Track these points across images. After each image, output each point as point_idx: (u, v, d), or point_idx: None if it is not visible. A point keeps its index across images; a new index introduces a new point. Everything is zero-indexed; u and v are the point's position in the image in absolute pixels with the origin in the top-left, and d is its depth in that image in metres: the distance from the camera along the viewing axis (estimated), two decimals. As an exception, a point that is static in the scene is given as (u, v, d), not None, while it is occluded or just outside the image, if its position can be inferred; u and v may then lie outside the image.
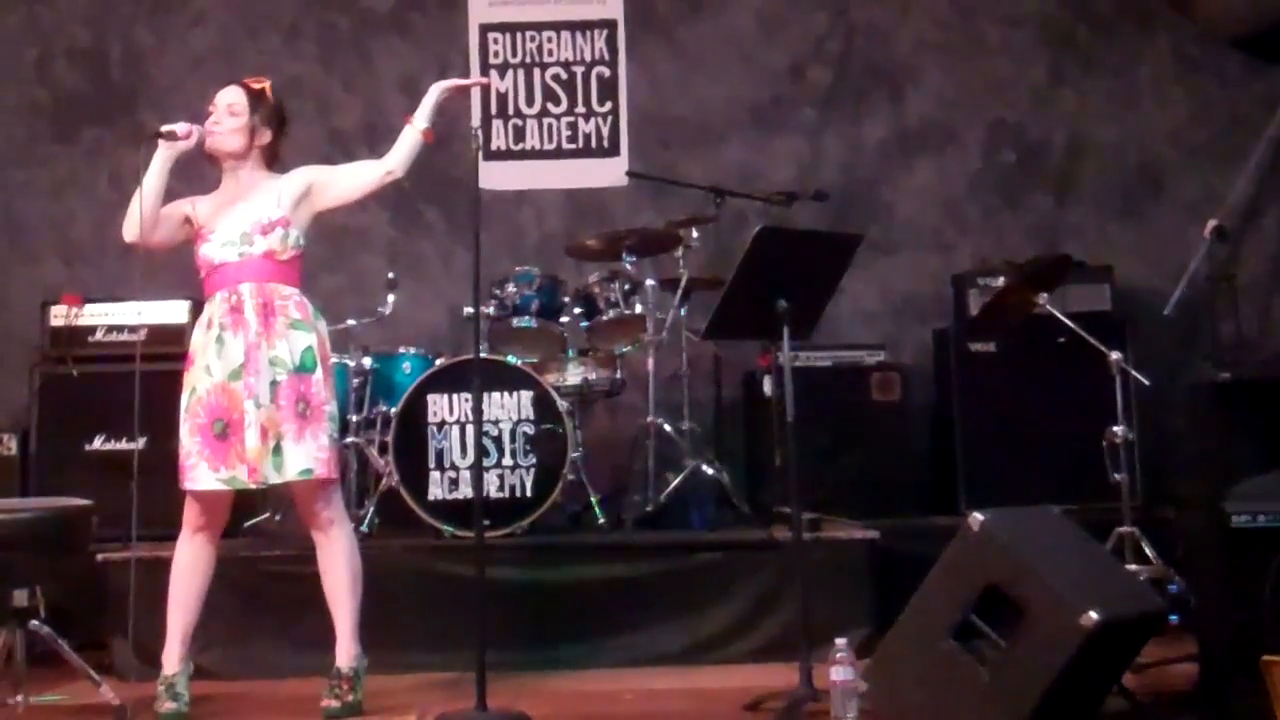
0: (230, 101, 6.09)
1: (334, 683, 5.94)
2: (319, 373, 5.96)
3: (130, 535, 7.02)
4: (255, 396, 5.83)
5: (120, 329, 8.05)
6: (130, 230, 6.01)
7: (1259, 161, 8.35)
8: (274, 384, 5.88)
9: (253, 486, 5.94)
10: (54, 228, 8.93)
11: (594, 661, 6.66)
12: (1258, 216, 8.77)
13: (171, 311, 8.09)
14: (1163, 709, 5.39)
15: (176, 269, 8.57)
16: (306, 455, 5.87)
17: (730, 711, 5.74)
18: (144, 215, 5.96)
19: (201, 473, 5.85)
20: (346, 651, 6.01)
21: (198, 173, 6.23)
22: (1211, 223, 7.55)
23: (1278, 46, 8.60)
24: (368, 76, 9.01)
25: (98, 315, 8.10)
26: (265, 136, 6.14)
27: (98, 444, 7.88)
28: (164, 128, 5.96)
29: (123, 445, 7.81)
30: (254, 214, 6.02)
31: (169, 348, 7.99)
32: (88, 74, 8.97)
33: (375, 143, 8.73)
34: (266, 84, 6.17)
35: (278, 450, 5.85)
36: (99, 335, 8.07)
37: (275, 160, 6.24)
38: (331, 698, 5.90)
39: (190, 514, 6.00)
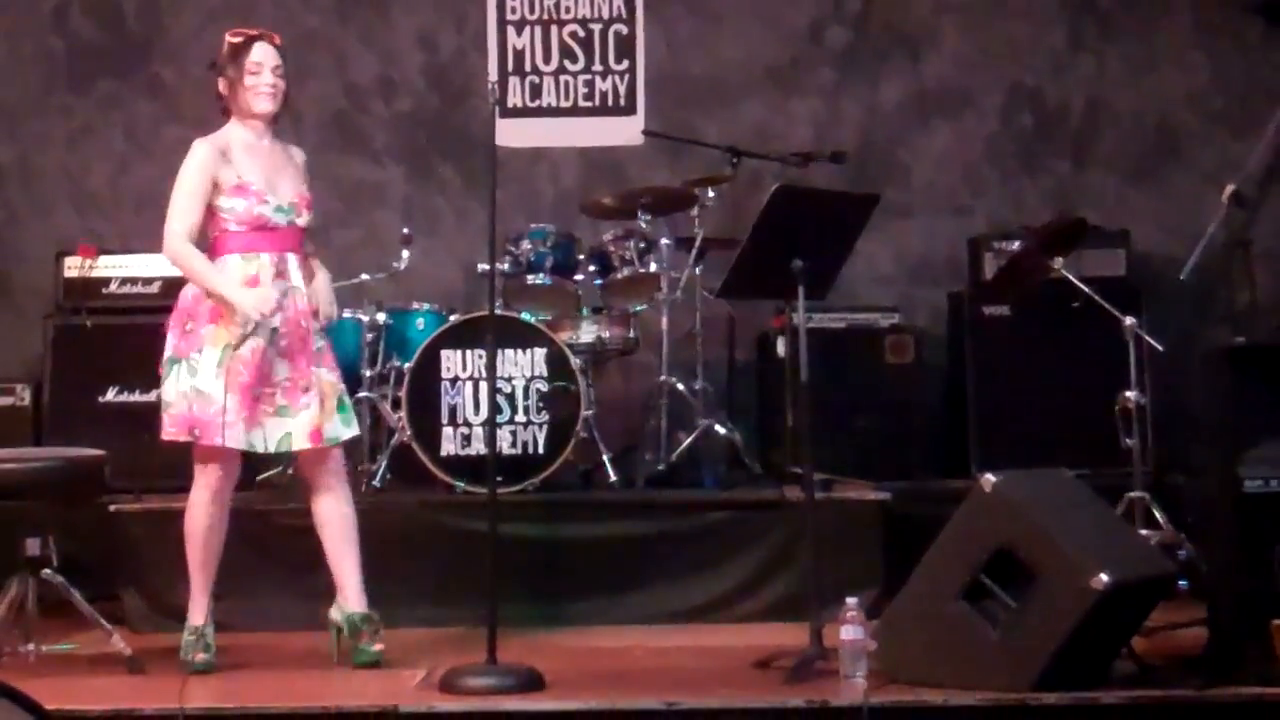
0: (276, 64, 6.01)
1: (372, 626, 5.97)
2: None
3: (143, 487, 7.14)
4: (313, 365, 5.95)
5: (134, 281, 8.06)
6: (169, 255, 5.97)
7: (1278, 127, 8.31)
8: (321, 348, 6.00)
9: (309, 448, 5.96)
10: (69, 179, 8.90)
11: (604, 618, 6.68)
12: (1275, 183, 8.70)
13: (186, 264, 8.08)
14: (1171, 672, 5.34)
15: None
16: (349, 420, 6.09)
17: (740, 669, 5.74)
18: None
19: (237, 433, 5.81)
20: (362, 598, 6.06)
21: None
22: (1229, 188, 7.52)
23: (1296, 11, 8.57)
24: (384, 29, 8.95)
25: (112, 267, 8.10)
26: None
27: (111, 395, 7.90)
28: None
29: (136, 397, 7.81)
30: (295, 185, 6.04)
31: (182, 300, 8.02)
32: (104, 24, 8.93)
33: (390, 98, 8.79)
34: (278, 36, 6.15)
35: (341, 409, 6.01)
36: (113, 287, 8.08)
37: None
38: (377, 640, 5.96)
39: (211, 471, 5.94)
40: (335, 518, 6.06)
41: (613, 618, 6.73)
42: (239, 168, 5.91)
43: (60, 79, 8.92)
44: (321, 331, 6.04)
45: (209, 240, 5.96)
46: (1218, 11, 8.95)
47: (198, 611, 5.97)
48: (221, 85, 6.02)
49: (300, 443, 5.93)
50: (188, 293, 5.94)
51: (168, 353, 5.93)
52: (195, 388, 5.77)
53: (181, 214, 5.88)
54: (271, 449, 5.97)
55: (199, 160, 5.92)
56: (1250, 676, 4.98)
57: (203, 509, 5.97)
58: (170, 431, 5.88)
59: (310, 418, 5.92)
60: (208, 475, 5.94)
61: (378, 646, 5.92)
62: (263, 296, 5.79)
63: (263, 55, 5.99)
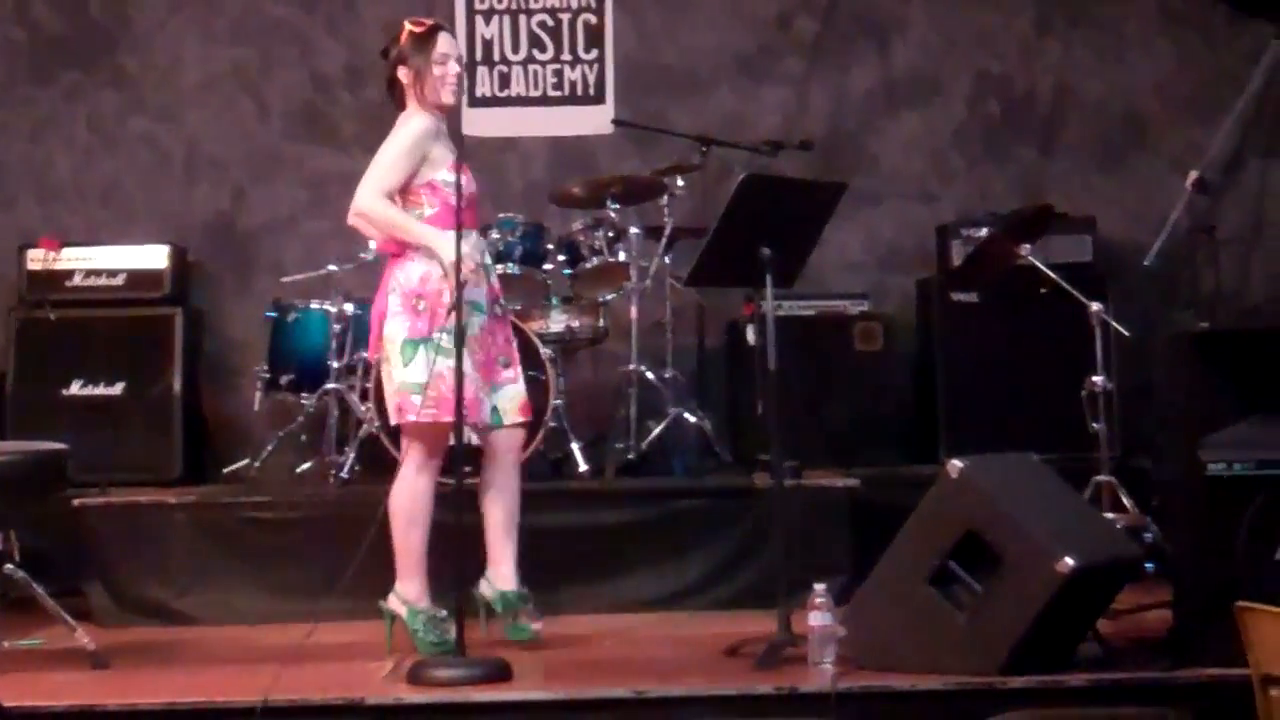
0: (459, 54, 6.06)
1: (526, 603, 6.01)
2: None
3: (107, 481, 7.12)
4: (512, 340, 6.12)
5: (99, 273, 8.04)
6: (356, 218, 6.01)
7: (1241, 114, 8.33)
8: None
9: (520, 422, 6.07)
10: (31, 171, 8.83)
11: (574, 607, 6.66)
12: (1239, 169, 8.75)
13: (151, 256, 8.09)
14: (1136, 655, 5.40)
15: (155, 214, 8.64)
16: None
17: (710, 657, 5.75)
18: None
19: (485, 407, 5.89)
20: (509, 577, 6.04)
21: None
22: (1193, 174, 7.56)
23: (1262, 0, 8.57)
24: (351, 19, 8.91)
25: (76, 259, 8.08)
26: None
27: (75, 389, 7.88)
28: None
29: (100, 390, 7.80)
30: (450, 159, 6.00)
31: (148, 292, 8.01)
32: (66, 15, 8.87)
33: (357, 87, 8.76)
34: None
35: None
36: (77, 279, 8.05)
37: None
38: (530, 619, 6.00)
39: (434, 451, 5.91)
40: (509, 495, 6.06)
41: (582, 606, 6.71)
42: (433, 151, 5.90)
43: (23, 70, 8.86)
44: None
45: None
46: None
47: (425, 595, 5.96)
48: (403, 74, 5.99)
49: (512, 417, 6.01)
50: (412, 273, 5.88)
51: (402, 335, 5.86)
52: (451, 367, 5.62)
53: (384, 173, 5.89)
54: (518, 420, 6.06)
55: (420, 129, 5.91)
56: (1214, 658, 4.97)
57: (420, 485, 5.92)
58: (428, 414, 5.79)
59: (517, 391, 6.03)
60: (423, 453, 5.90)
61: (536, 625, 5.96)
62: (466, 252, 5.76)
63: (448, 46, 6.00)
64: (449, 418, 5.67)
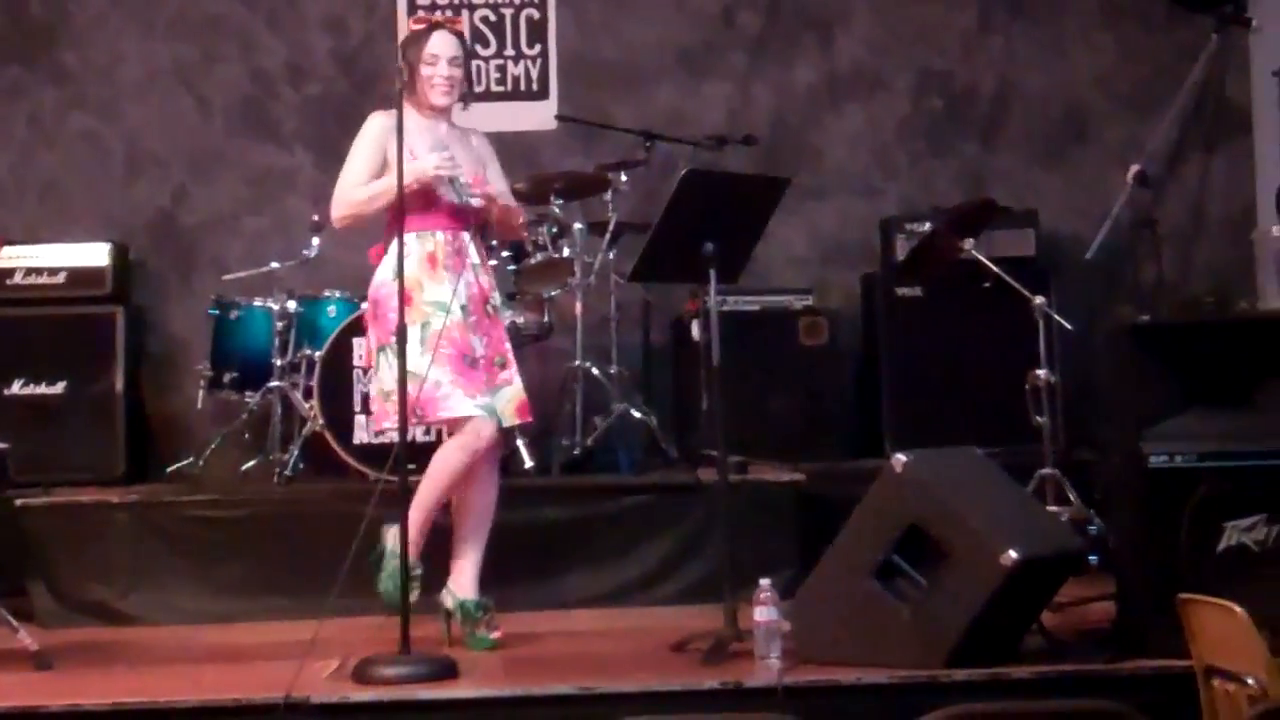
0: (454, 54, 5.98)
1: (487, 614, 5.95)
2: None
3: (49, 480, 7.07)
4: (508, 341, 6.07)
5: (40, 271, 7.96)
6: (349, 222, 6.08)
7: (1181, 108, 8.38)
8: (503, 328, 6.09)
9: (518, 423, 6.08)
10: (-30, 169, 8.79)
11: (520, 604, 6.62)
12: (1180, 162, 8.81)
13: (92, 254, 8.02)
14: (1080, 647, 5.43)
15: (96, 212, 8.58)
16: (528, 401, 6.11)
17: (656, 652, 5.75)
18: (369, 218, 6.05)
19: (459, 400, 5.78)
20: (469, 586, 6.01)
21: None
22: (1133, 168, 7.58)
23: (1201, -6, 8.63)
24: (292, 15, 8.87)
25: (16, 258, 7.98)
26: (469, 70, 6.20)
27: (16, 388, 7.81)
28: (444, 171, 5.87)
29: (42, 389, 7.75)
30: (469, 164, 6.00)
31: (89, 291, 7.96)
32: (6, 11, 8.79)
33: (299, 83, 8.73)
34: (462, 21, 6.13)
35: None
36: (18, 278, 7.97)
37: (471, 94, 6.28)
38: (488, 629, 5.95)
39: (472, 441, 5.85)
40: (484, 503, 6.04)
41: (528, 603, 6.68)
42: (415, 148, 5.85)
43: (-39, 67, 8.81)
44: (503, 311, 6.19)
45: (384, 222, 5.96)
46: (1124, -6, 9.03)
47: (470, 585, 5.97)
48: (404, 71, 5.93)
49: (509, 419, 5.99)
50: (376, 284, 5.96)
51: (374, 344, 5.95)
52: (411, 371, 5.60)
53: (346, 175, 6.00)
54: (515, 421, 6.04)
55: (374, 128, 5.96)
56: (1157, 650, 5.01)
57: (454, 462, 5.87)
58: (386, 425, 5.89)
59: (514, 393, 5.99)
60: (465, 438, 5.85)
61: (495, 635, 5.92)
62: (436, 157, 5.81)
63: (440, 46, 5.96)
64: (428, 419, 5.83)
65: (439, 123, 6.04)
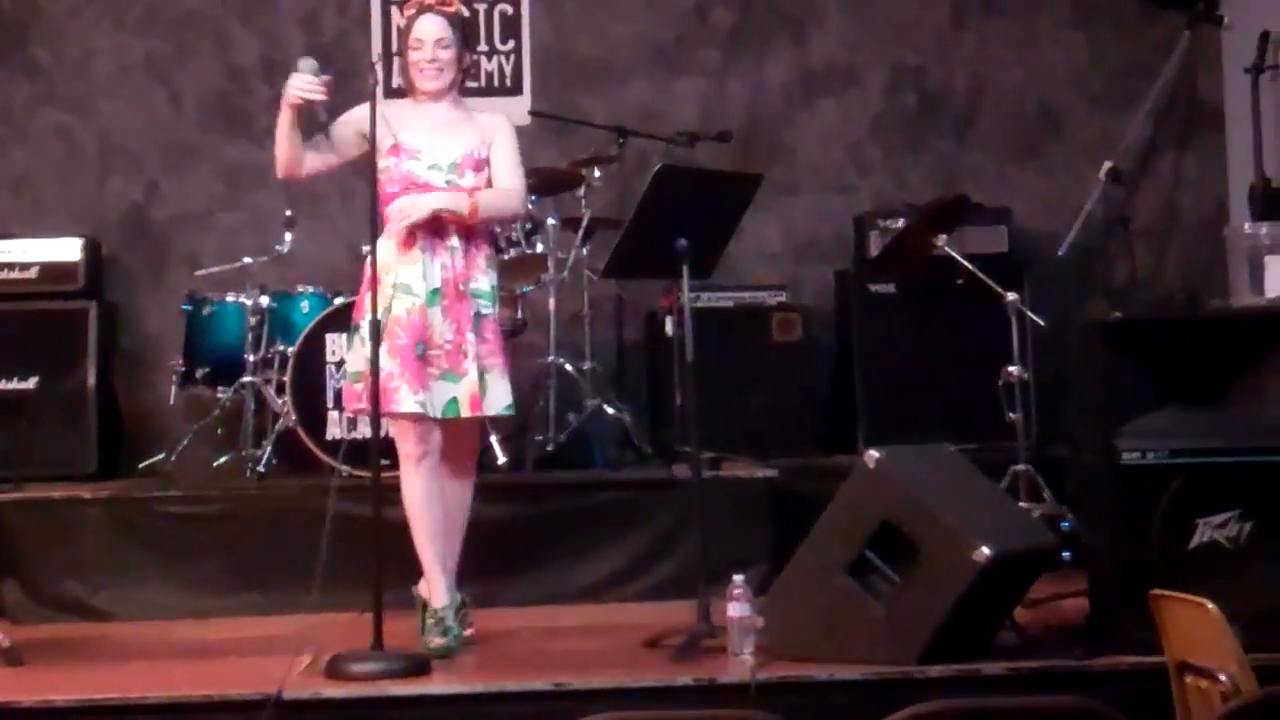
0: (439, 36, 5.81)
1: (465, 612, 5.88)
2: (496, 312, 5.95)
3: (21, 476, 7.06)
4: (471, 327, 5.79)
5: (11, 266, 7.93)
6: (280, 169, 5.96)
7: (1154, 105, 8.41)
8: (479, 316, 5.82)
9: (468, 416, 5.82)
10: (-59, 165, 8.76)
11: (494, 600, 6.62)
12: (1153, 159, 8.83)
13: (64, 249, 8.00)
14: (1054, 643, 5.44)
15: (68, 207, 8.56)
16: (505, 394, 5.87)
17: (629, 649, 5.75)
18: (286, 157, 5.88)
19: (404, 396, 5.66)
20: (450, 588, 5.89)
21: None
22: (1106, 164, 7.62)
23: (1173, -9, 8.67)
24: (266, 11, 8.84)
25: (-13, 253, 7.97)
26: (467, 59, 6.02)
27: (-14, 384, 7.79)
28: (297, 94, 5.75)
29: (14, 385, 7.72)
30: (463, 146, 5.84)
31: (61, 286, 7.94)
32: (-24, 8, 8.81)
33: (274, 79, 8.66)
34: (458, 4, 6.02)
35: (484, 382, 5.80)
36: (-12, 273, 7.96)
37: (466, 80, 6.13)
38: (435, 634, 5.77)
39: (405, 443, 5.78)
40: (455, 501, 5.94)
41: (502, 599, 6.69)
42: (397, 128, 5.77)
43: (-69, 63, 8.78)
44: (485, 300, 5.89)
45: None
46: (1096, -10, 9.04)
47: (436, 593, 5.80)
48: (375, 63, 5.98)
49: (465, 409, 5.79)
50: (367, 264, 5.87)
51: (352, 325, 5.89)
52: (367, 358, 5.58)
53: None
54: (438, 414, 5.77)
55: (352, 111, 5.84)
56: (1129, 646, 5.03)
57: (410, 482, 5.77)
58: (356, 406, 5.86)
59: (470, 384, 5.77)
60: (405, 446, 5.77)
61: (469, 631, 5.85)
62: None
63: (425, 30, 5.83)
64: (387, 406, 5.67)
65: (436, 106, 5.88)
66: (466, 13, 6.10)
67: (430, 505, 5.76)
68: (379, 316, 5.63)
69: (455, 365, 5.78)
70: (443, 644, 5.71)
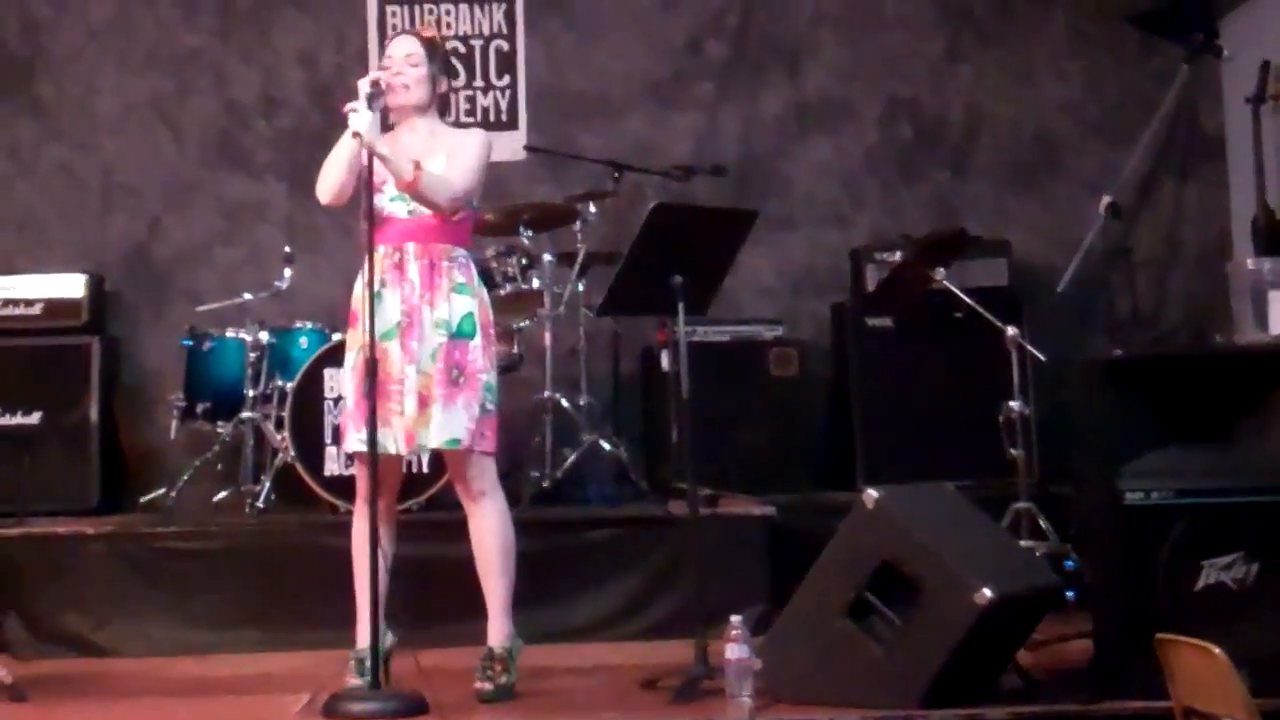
0: (408, 52, 5.77)
1: (486, 663, 5.72)
2: (478, 339, 5.74)
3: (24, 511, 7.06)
4: (417, 361, 5.64)
5: (16, 302, 7.95)
6: (323, 194, 5.77)
7: (1153, 137, 8.42)
8: (436, 348, 5.68)
9: (405, 453, 5.75)
10: (-52, 201, 8.78)
11: (488, 639, 6.63)
12: (1153, 191, 8.83)
13: (67, 285, 8.03)
14: (1058, 686, 5.40)
15: (72, 243, 8.58)
16: (456, 424, 5.64)
17: (626, 689, 5.73)
18: (343, 177, 5.69)
19: (358, 436, 5.59)
20: (499, 630, 5.79)
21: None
22: (1105, 198, 7.62)
23: (1172, 21, 8.65)
24: (266, 49, 8.91)
25: (-8, 288, 7.99)
26: (443, 85, 5.93)
27: (-11, 418, 7.81)
28: (366, 86, 5.59)
29: (17, 420, 7.74)
30: (414, 151, 5.70)
31: (65, 321, 7.96)
32: (-17, 45, 8.85)
33: (273, 115, 8.75)
34: (435, 32, 6.00)
35: (428, 416, 5.67)
36: (-7, 308, 7.97)
37: (446, 110, 6.02)
38: (484, 679, 5.66)
39: (359, 478, 5.72)
40: (474, 540, 5.85)
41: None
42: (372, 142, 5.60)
43: (-61, 101, 8.81)
44: (451, 328, 5.72)
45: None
46: (1094, 21, 9.03)
47: (359, 633, 5.69)
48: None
49: (402, 447, 5.68)
50: None
51: None
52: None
53: None
54: (402, 450, 5.72)
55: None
56: (1135, 690, 4.99)
57: (355, 517, 5.73)
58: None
59: (408, 421, 5.64)
60: (358, 482, 5.73)
61: (479, 685, 5.69)
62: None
63: (396, 48, 5.83)
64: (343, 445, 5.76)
65: (412, 136, 5.81)
66: (441, 41, 6.06)
67: (360, 548, 5.62)
68: (353, 357, 5.68)
69: (403, 400, 5.66)
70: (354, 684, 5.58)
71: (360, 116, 5.51)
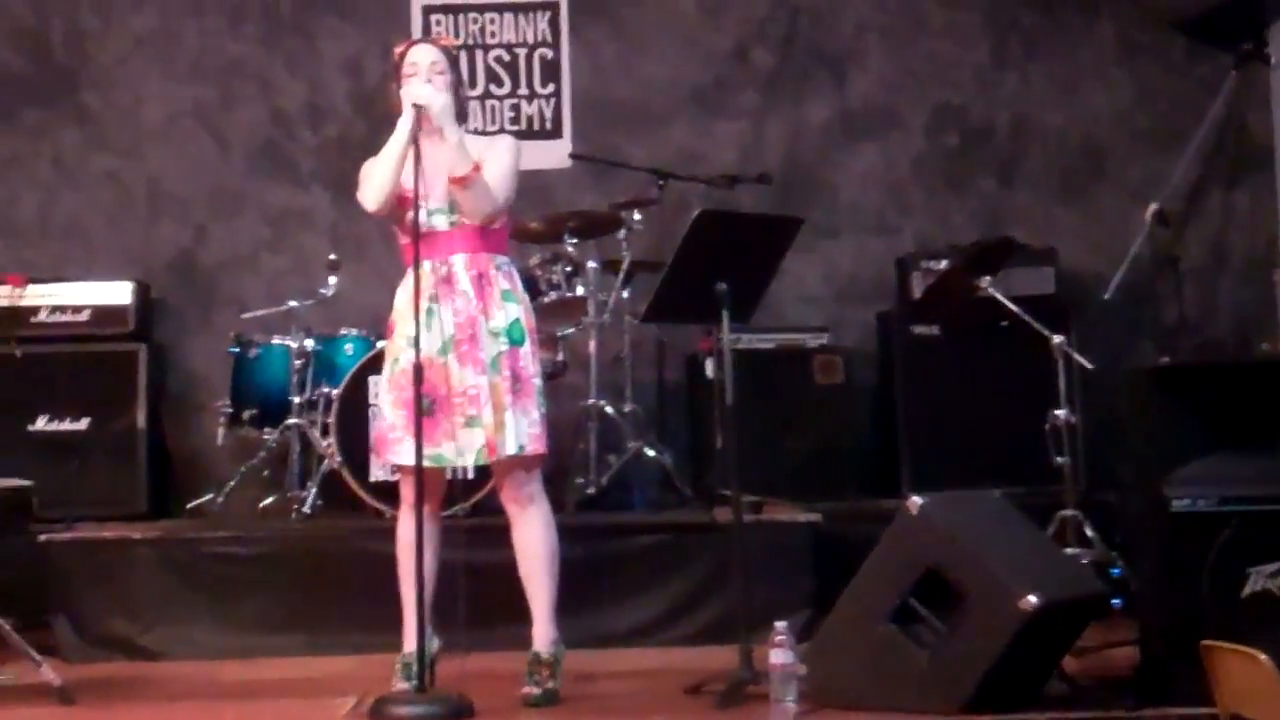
0: (433, 60, 5.74)
1: (533, 668, 5.74)
2: (527, 345, 5.78)
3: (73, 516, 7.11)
4: (487, 372, 5.67)
5: (64, 309, 8.02)
6: (373, 199, 5.75)
7: (1201, 144, 8.37)
8: (496, 356, 5.70)
9: (487, 462, 5.78)
10: (-4, 208, 8.85)
11: (533, 644, 6.64)
12: (1201, 199, 8.80)
13: (115, 293, 8.10)
14: (1103, 693, 5.38)
15: (118, 251, 8.64)
16: (520, 431, 5.69)
17: (671, 694, 5.73)
18: (388, 184, 5.67)
19: (406, 448, 5.58)
20: (544, 635, 5.81)
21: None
22: (1152, 206, 7.57)
23: (1220, 29, 8.61)
24: (310, 58, 8.95)
25: (41, 296, 8.02)
26: (463, 94, 5.95)
27: (40, 424, 7.85)
28: (418, 100, 5.60)
29: (66, 426, 7.79)
30: (443, 163, 5.68)
31: (112, 328, 8.02)
32: (29, 54, 8.88)
33: (318, 124, 8.79)
34: (452, 40, 6.00)
35: (502, 422, 5.68)
36: (42, 315, 8.01)
37: (464, 118, 5.95)
38: (532, 684, 5.68)
39: (403, 489, 5.76)
40: (520, 545, 5.87)
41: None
42: (404, 177, 5.63)
43: (-14, 109, 8.87)
44: (508, 335, 5.75)
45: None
46: (1141, 29, 9.01)
47: (406, 637, 5.73)
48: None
49: (484, 457, 5.73)
50: None
51: None
52: (378, 405, 5.67)
53: None
54: (470, 462, 5.83)
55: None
56: (1180, 697, 4.97)
57: (401, 526, 5.78)
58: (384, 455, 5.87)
59: (488, 430, 5.67)
60: (403, 491, 5.77)
61: (526, 690, 5.70)
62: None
63: (418, 56, 5.78)
64: (381, 458, 5.86)
65: (440, 147, 5.69)
66: (457, 50, 6.10)
67: (408, 555, 5.64)
68: (390, 368, 5.74)
69: (480, 411, 5.67)
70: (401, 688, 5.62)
71: (430, 91, 5.56)
